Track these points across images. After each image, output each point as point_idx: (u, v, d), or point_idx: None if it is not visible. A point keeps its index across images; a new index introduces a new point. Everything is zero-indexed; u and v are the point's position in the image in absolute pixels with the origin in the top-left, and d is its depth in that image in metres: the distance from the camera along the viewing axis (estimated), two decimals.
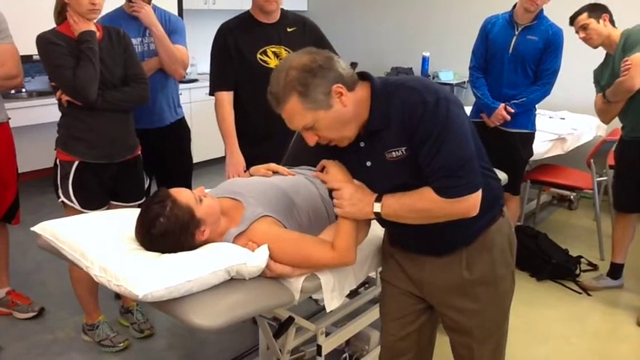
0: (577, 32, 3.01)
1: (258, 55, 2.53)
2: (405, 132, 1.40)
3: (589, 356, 2.73)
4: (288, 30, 2.60)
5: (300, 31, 2.62)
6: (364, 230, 1.70)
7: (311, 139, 1.46)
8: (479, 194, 1.42)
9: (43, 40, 2.33)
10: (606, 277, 3.34)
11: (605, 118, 3.13)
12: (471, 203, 1.42)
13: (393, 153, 1.44)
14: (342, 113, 1.41)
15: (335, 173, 1.55)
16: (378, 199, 1.49)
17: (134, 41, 2.66)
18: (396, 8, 5.94)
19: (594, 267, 3.61)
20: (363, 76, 1.48)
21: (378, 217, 1.50)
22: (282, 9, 2.62)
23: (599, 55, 3.16)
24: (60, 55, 2.30)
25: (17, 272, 3.38)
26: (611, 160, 3.43)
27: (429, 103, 1.36)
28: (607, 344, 2.84)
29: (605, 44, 3.02)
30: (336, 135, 1.46)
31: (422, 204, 1.43)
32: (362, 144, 1.50)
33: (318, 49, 1.44)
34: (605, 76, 3.04)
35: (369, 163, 1.51)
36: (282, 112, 1.42)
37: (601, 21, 2.96)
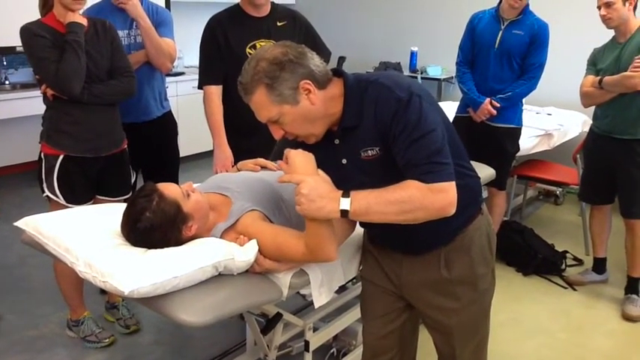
0: (599, 8, 2.91)
1: (248, 49, 2.50)
2: (379, 130, 1.39)
3: (575, 350, 2.75)
4: (278, 24, 2.58)
5: (290, 25, 2.60)
6: (350, 226, 1.69)
7: (277, 133, 1.45)
8: (454, 186, 1.36)
9: (26, 31, 2.29)
10: (592, 271, 3.38)
11: (588, 102, 3.10)
12: (450, 196, 1.35)
13: (369, 152, 1.43)
14: (308, 110, 1.39)
15: (295, 165, 1.41)
16: (346, 195, 1.37)
17: (120, 33, 2.63)
18: (385, 3, 5.93)
19: (580, 262, 3.64)
20: (337, 73, 1.46)
21: (345, 215, 1.37)
22: (272, 2, 2.60)
23: (586, 51, 3.17)
24: (44, 48, 2.27)
25: (1, 267, 3.34)
26: None
27: (402, 99, 1.35)
28: (592, 338, 2.86)
29: (621, 29, 2.94)
30: (301, 131, 1.44)
31: (401, 193, 1.33)
32: (337, 141, 1.48)
33: (293, 43, 1.42)
34: (607, 61, 2.99)
35: (344, 161, 1.49)
36: (250, 102, 1.41)
37: (627, 4, 2.87)
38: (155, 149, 2.91)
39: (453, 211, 1.37)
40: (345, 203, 1.36)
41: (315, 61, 1.40)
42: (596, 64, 3.07)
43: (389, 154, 1.40)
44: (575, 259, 3.67)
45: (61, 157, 2.39)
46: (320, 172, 1.44)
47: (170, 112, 3.02)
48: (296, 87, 1.37)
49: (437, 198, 1.34)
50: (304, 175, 1.39)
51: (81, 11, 2.40)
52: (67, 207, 2.30)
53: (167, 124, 3.00)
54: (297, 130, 1.44)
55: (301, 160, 1.42)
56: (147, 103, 2.85)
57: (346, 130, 1.44)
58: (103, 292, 2.96)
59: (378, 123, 1.39)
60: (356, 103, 1.42)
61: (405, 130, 1.35)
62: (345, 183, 1.42)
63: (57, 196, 2.41)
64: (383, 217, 1.37)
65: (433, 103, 1.42)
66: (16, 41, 2.35)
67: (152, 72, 2.83)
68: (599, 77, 2.97)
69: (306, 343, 2.14)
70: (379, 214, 1.36)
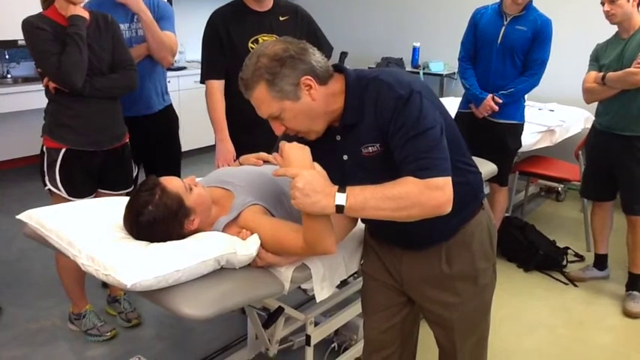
0: (602, 3, 2.92)
1: (250, 44, 2.50)
2: (379, 126, 1.39)
3: (575, 346, 2.76)
4: (281, 19, 2.57)
5: (293, 20, 2.60)
6: (351, 221, 1.68)
7: (278, 129, 1.45)
8: (450, 183, 1.35)
9: (28, 24, 2.29)
10: (592, 267, 3.38)
11: (591, 98, 3.10)
12: (447, 194, 1.34)
13: (370, 148, 1.43)
14: (309, 106, 1.39)
15: (290, 158, 1.40)
16: (342, 190, 1.35)
17: (122, 27, 2.62)
18: None
19: (581, 258, 3.64)
20: (338, 69, 1.46)
21: (341, 211, 1.35)
22: None
23: (589, 47, 3.17)
24: (45, 41, 2.27)
25: (2, 261, 3.35)
26: None
27: (403, 97, 1.35)
28: (593, 334, 2.86)
29: (624, 25, 2.94)
30: (302, 127, 1.44)
31: (398, 188, 1.32)
32: (338, 137, 1.48)
33: (294, 39, 1.42)
34: (610, 57, 2.98)
35: (346, 157, 1.49)
36: (251, 98, 1.41)
37: (631, 0, 2.88)
38: (157, 143, 2.91)
39: (448, 209, 1.35)
40: (340, 198, 1.34)
41: (316, 56, 1.40)
42: (598, 59, 3.07)
43: (390, 151, 1.40)
44: (576, 255, 3.66)
45: (63, 150, 2.39)
46: (316, 165, 1.42)
47: (171, 105, 3.02)
48: (297, 83, 1.37)
49: (433, 195, 1.33)
50: (300, 169, 1.38)
51: (82, 4, 2.40)
52: (69, 200, 2.30)
53: (168, 118, 3.00)
54: (298, 126, 1.44)
55: (296, 154, 1.41)
56: (148, 96, 2.85)
57: (347, 126, 1.44)
58: (104, 285, 2.97)
59: (379, 120, 1.38)
60: (357, 99, 1.42)
61: (403, 126, 1.35)
62: (346, 179, 1.41)
63: (59, 190, 2.41)
64: (379, 214, 1.36)
65: (434, 100, 1.42)
66: (17, 35, 2.34)
67: (153, 66, 2.83)
68: (602, 73, 2.96)
69: (308, 338, 2.14)
70: (375, 209, 1.35)
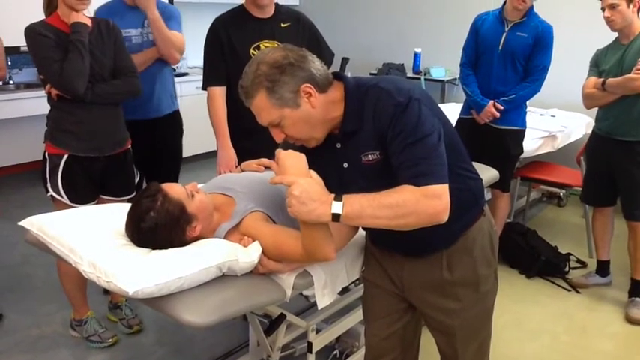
0: (602, 9, 2.92)
1: (252, 51, 2.51)
2: (378, 134, 1.39)
3: (578, 352, 2.75)
4: (282, 25, 2.58)
5: (294, 27, 2.60)
6: (353, 228, 1.68)
7: (278, 137, 1.45)
8: (447, 192, 1.34)
9: (31, 31, 2.30)
10: (595, 274, 3.37)
11: (591, 104, 3.10)
12: (444, 203, 1.33)
13: (369, 156, 1.43)
14: (309, 114, 1.39)
15: (286, 167, 1.40)
16: (339, 199, 1.35)
17: (134, 32, 2.63)
18: (389, 4, 5.93)
19: (583, 264, 3.63)
20: (337, 77, 1.46)
21: (337, 219, 1.35)
22: (276, 3, 2.60)
23: (590, 53, 3.17)
24: (48, 48, 2.28)
25: (4, 266, 3.35)
26: None
27: (401, 104, 1.35)
28: (595, 341, 2.86)
29: (624, 31, 2.94)
30: (302, 135, 1.44)
31: (395, 197, 1.32)
32: (338, 145, 1.48)
33: (294, 46, 1.43)
34: (610, 63, 2.99)
35: (346, 165, 1.49)
36: (251, 106, 1.41)
37: (631, 6, 2.87)
38: (163, 147, 2.93)
39: (445, 218, 1.35)
40: (337, 207, 1.34)
41: (315, 64, 1.40)
42: (598, 65, 3.07)
43: (389, 159, 1.40)
44: (578, 261, 3.66)
45: (65, 156, 2.40)
46: (312, 173, 1.41)
47: (179, 110, 3.04)
48: (296, 90, 1.37)
49: (430, 204, 1.32)
50: (296, 177, 1.37)
51: (90, 12, 2.41)
52: (72, 207, 2.31)
53: (175, 122, 3.02)
54: (298, 134, 1.44)
55: (292, 161, 1.41)
56: (159, 100, 2.87)
57: (347, 134, 1.44)
58: (106, 291, 2.96)
59: (377, 126, 1.39)
60: (356, 107, 1.42)
61: (401, 133, 1.35)
62: (346, 187, 1.41)
63: (61, 196, 2.42)
64: (375, 222, 1.35)
65: (433, 107, 1.42)
66: (20, 41, 2.36)
67: (162, 69, 2.85)
68: (601, 79, 2.97)
69: (309, 345, 2.14)
70: (372, 218, 1.34)
